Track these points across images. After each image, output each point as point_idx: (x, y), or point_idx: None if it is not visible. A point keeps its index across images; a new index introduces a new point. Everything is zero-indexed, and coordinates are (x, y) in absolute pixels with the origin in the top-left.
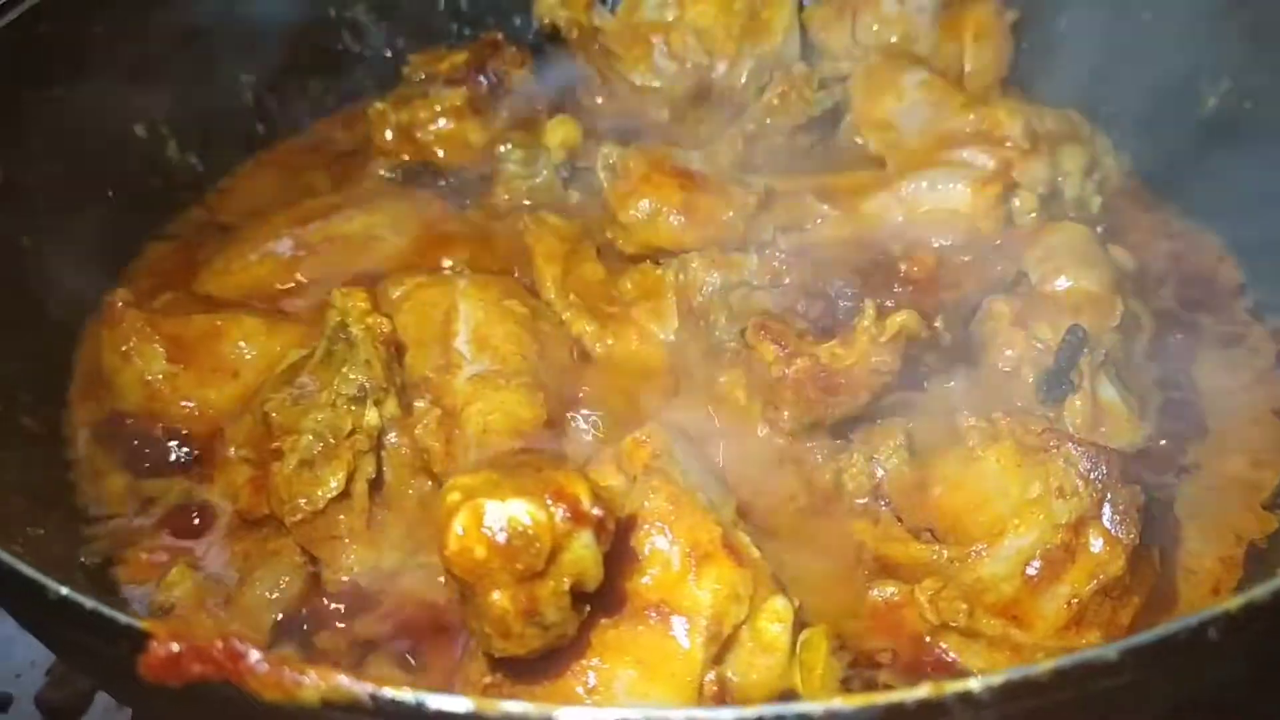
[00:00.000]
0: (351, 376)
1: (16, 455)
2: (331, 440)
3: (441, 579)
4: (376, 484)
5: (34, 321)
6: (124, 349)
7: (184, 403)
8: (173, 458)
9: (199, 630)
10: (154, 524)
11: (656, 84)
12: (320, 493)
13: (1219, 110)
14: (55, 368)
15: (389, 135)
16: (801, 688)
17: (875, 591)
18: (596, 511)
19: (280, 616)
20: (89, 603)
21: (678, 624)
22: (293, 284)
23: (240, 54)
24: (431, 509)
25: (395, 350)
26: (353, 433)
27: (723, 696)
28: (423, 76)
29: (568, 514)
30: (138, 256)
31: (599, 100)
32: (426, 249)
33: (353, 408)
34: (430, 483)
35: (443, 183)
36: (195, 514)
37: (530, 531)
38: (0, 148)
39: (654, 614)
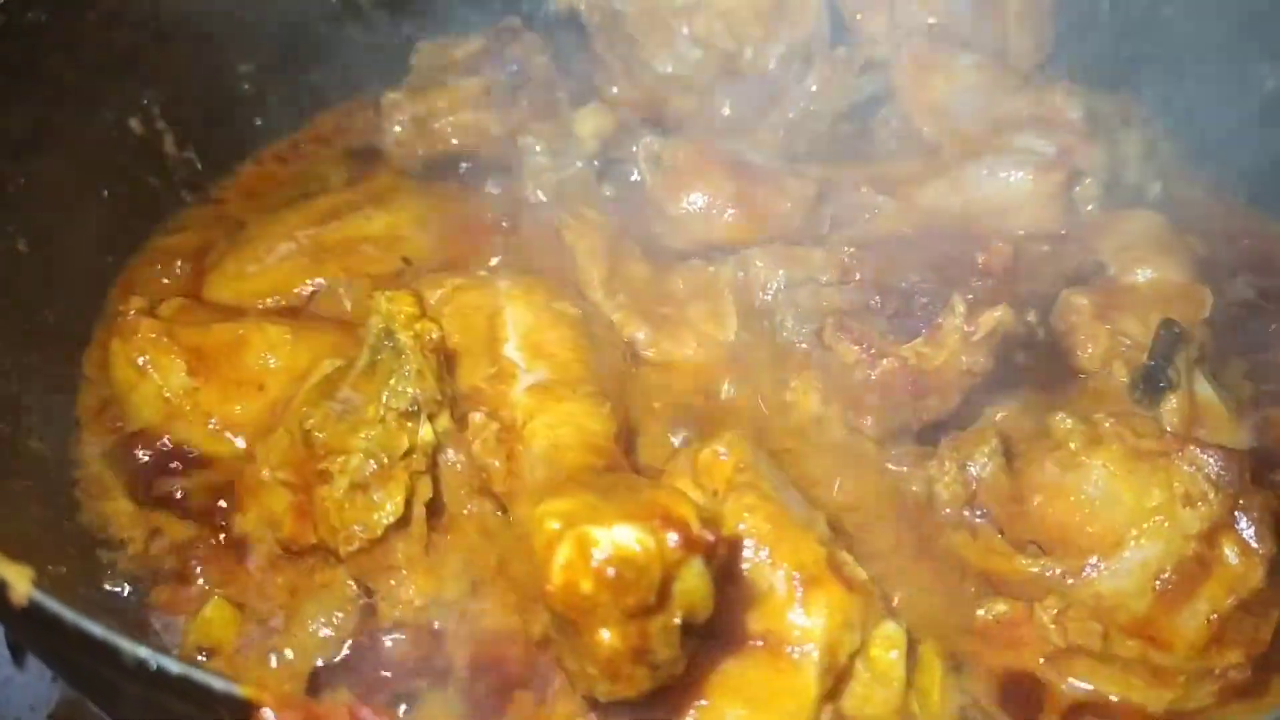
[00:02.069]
0: (401, 389)
1: (30, 485)
2: (385, 460)
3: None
4: (434, 507)
5: (35, 333)
6: (139, 362)
7: (207, 420)
8: (194, 480)
9: (316, 705)
10: (178, 552)
11: (680, 71)
12: (377, 518)
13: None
14: (60, 384)
15: (402, 127)
16: (921, 715)
17: (983, 610)
18: (708, 535)
19: (333, 656)
20: (176, 666)
21: (788, 656)
22: (312, 288)
23: (238, 43)
24: (498, 534)
25: (444, 359)
26: (409, 451)
27: None
28: (436, 65)
29: (679, 540)
30: (139, 261)
31: (615, 90)
32: (455, 248)
33: (407, 424)
34: (490, 503)
35: (463, 177)
36: (222, 537)
37: (640, 561)
38: None
39: (761, 645)
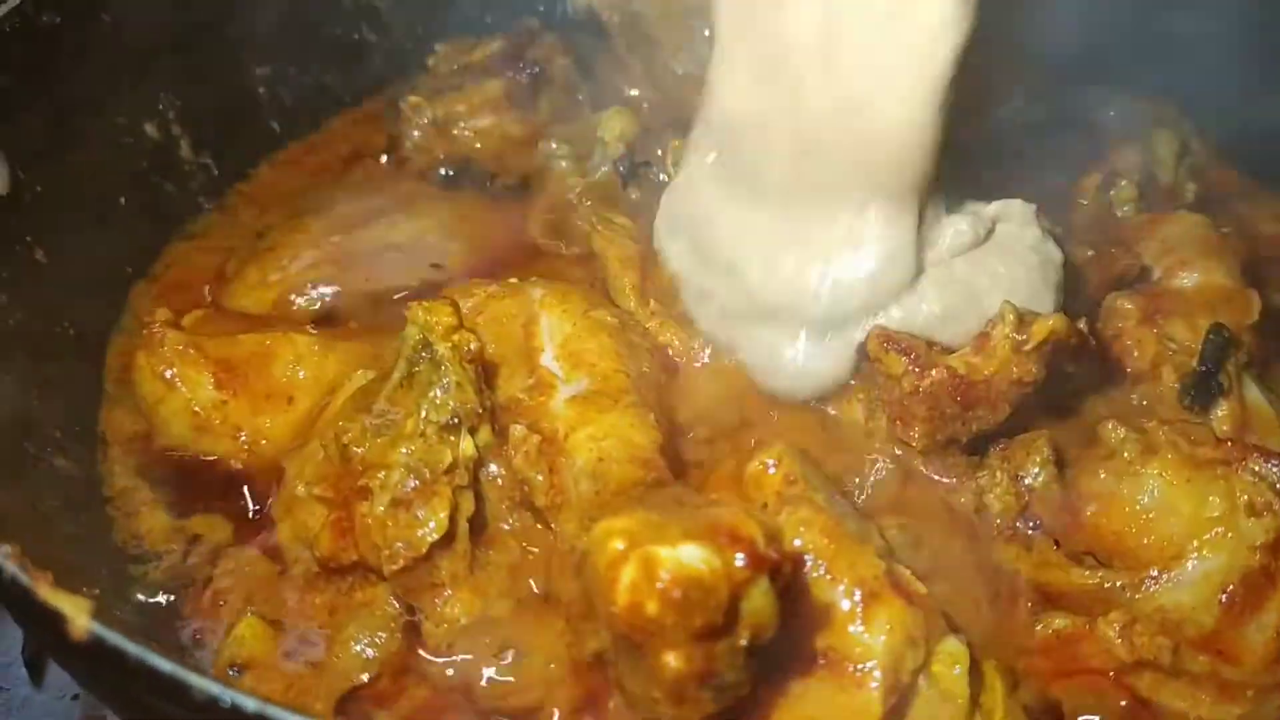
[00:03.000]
0: (441, 401)
1: (59, 504)
2: (427, 475)
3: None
4: (476, 523)
5: (54, 346)
6: (167, 376)
7: (237, 434)
8: (227, 495)
9: None
10: (214, 564)
11: (700, 72)
12: (421, 535)
13: None
14: (82, 398)
15: (421, 131)
16: None
17: (1042, 625)
18: (773, 554)
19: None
20: (251, 703)
21: (850, 674)
22: (338, 297)
23: (253, 45)
24: (541, 550)
25: (483, 370)
26: (452, 466)
27: None
28: (454, 67)
29: (746, 559)
30: (157, 269)
31: (634, 92)
32: (482, 255)
33: (450, 437)
34: (532, 518)
35: (484, 181)
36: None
37: (708, 581)
38: (5, 148)
39: (822, 664)
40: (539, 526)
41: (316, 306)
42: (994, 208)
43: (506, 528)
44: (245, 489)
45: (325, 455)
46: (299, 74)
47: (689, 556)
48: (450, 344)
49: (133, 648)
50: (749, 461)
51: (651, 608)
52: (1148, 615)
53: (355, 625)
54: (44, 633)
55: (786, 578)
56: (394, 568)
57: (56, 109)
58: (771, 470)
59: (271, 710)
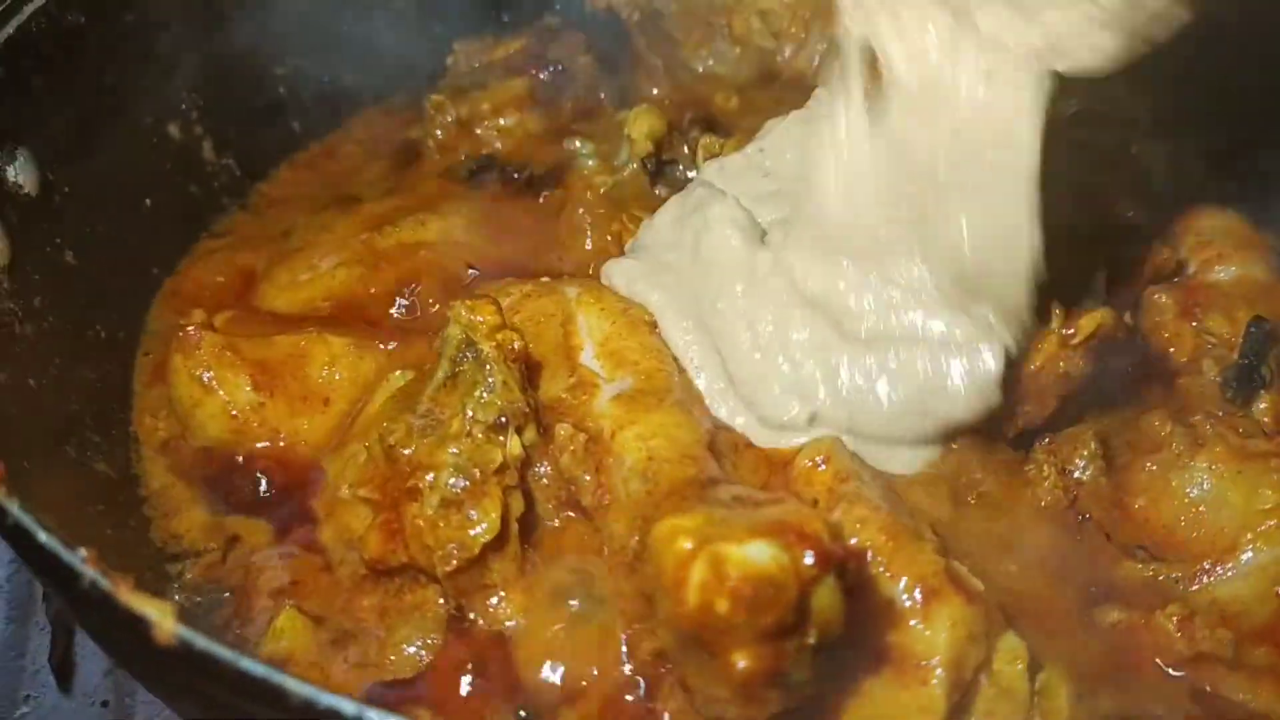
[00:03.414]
0: (488, 400)
1: (102, 508)
2: (476, 475)
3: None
4: (525, 522)
5: (87, 349)
6: (204, 378)
7: (275, 436)
8: (260, 496)
9: None
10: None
11: (720, 70)
12: (474, 536)
13: None
14: (115, 401)
15: (444, 130)
16: None
17: (1098, 619)
18: (841, 551)
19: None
20: (350, 707)
21: (913, 671)
22: (370, 297)
23: (272, 45)
24: (589, 549)
25: (527, 369)
26: (504, 466)
27: None
28: (474, 66)
29: (814, 556)
30: (183, 271)
31: (655, 90)
32: (511, 254)
33: (498, 437)
34: (577, 517)
35: (507, 180)
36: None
37: (778, 579)
38: (34, 148)
39: (885, 662)
40: (584, 527)
41: (348, 305)
42: None
43: (554, 527)
44: (283, 490)
45: (369, 457)
46: (318, 74)
47: (757, 554)
48: (494, 343)
49: (225, 651)
50: (796, 458)
51: (722, 606)
52: (1205, 608)
53: (408, 627)
54: (125, 639)
55: (852, 575)
56: (447, 569)
57: (82, 110)
58: (821, 467)
59: (371, 714)
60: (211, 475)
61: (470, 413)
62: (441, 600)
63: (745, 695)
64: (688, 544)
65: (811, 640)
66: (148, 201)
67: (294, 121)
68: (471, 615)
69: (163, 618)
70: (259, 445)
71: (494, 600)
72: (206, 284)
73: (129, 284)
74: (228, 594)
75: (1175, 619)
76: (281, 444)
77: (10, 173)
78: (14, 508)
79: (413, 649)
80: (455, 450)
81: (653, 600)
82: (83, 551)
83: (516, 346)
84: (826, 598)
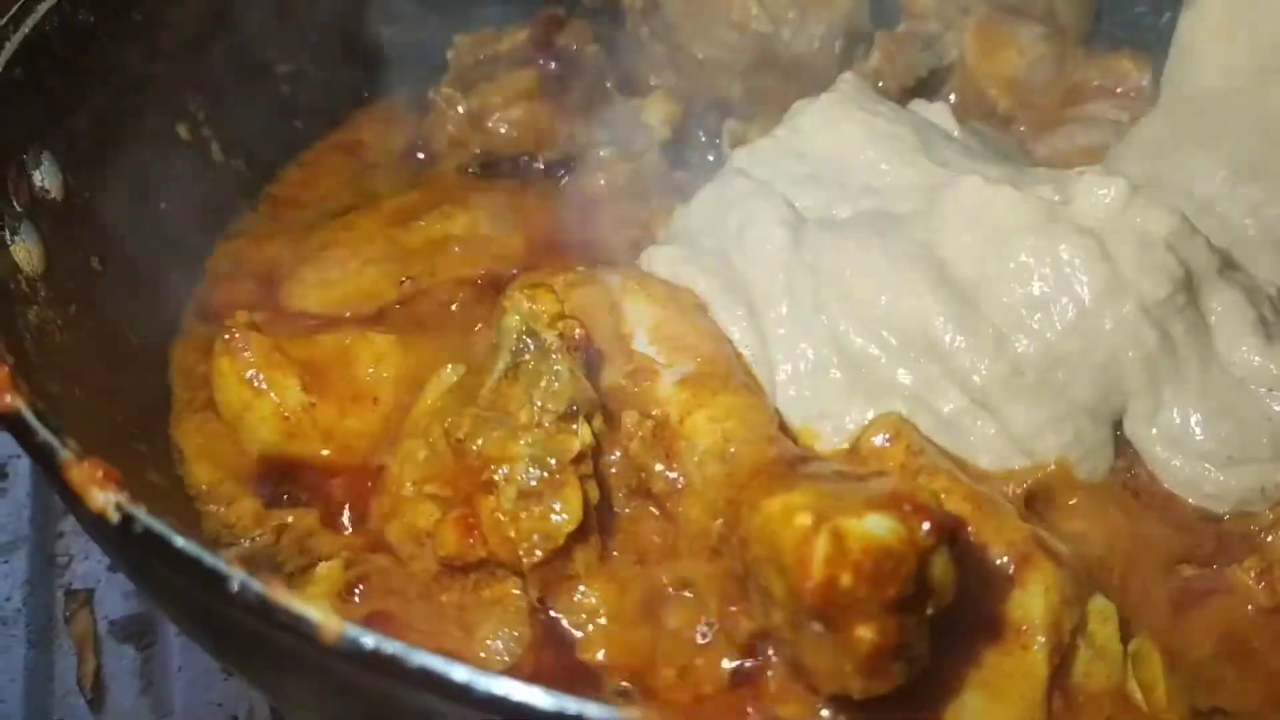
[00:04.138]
0: (557, 390)
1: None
2: (553, 464)
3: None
4: (604, 510)
5: (123, 357)
6: (254, 381)
7: (327, 437)
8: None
9: None
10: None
11: (720, 55)
12: (558, 525)
13: None
14: (154, 408)
15: (456, 125)
16: (1147, 708)
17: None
18: (952, 520)
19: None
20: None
21: (1014, 638)
22: (403, 292)
23: (273, 42)
24: (664, 535)
25: (589, 356)
26: (581, 455)
27: (1069, 714)
28: (479, 58)
29: (930, 526)
30: (205, 273)
31: (655, 79)
32: (541, 244)
33: (571, 426)
34: (648, 504)
35: (522, 172)
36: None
37: (898, 550)
38: (55, 152)
39: (985, 629)
40: (656, 513)
41: (383, 303)
42: None
43: (626, 515)
44: (336, 490)
45: (431, 452)
46: (318, 70)
47: (876, 527)
48: (557, 331)
49: (399, 648)
50: (862, 436)
51: (846, 580)
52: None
53: (492, 623)
54: (283, 642)
55: (961, 544)
56: (533, 561)
57: (96, 112)
58: (891, 443)
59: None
60: (258, 477)
61: (539, 403)
62: (520, 593)
63: (870, 669)
64: (807, 520)
65: (930, 611)
66: (162, 205)
67: (297, 121)
68: (554, 607)
69: (327, 618)
70: (310, 446)
71: (579, 591)
72: (229, 286)
73: (152, 289)
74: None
75: (1253, 572)
76: (333, 444)
77: (37, 177)
78: (141, 514)
79: (498, 643)
80: (527, 441)
81: (757, 580)
82: (229, 553)
83: (579, 334)
84: (941, 567)
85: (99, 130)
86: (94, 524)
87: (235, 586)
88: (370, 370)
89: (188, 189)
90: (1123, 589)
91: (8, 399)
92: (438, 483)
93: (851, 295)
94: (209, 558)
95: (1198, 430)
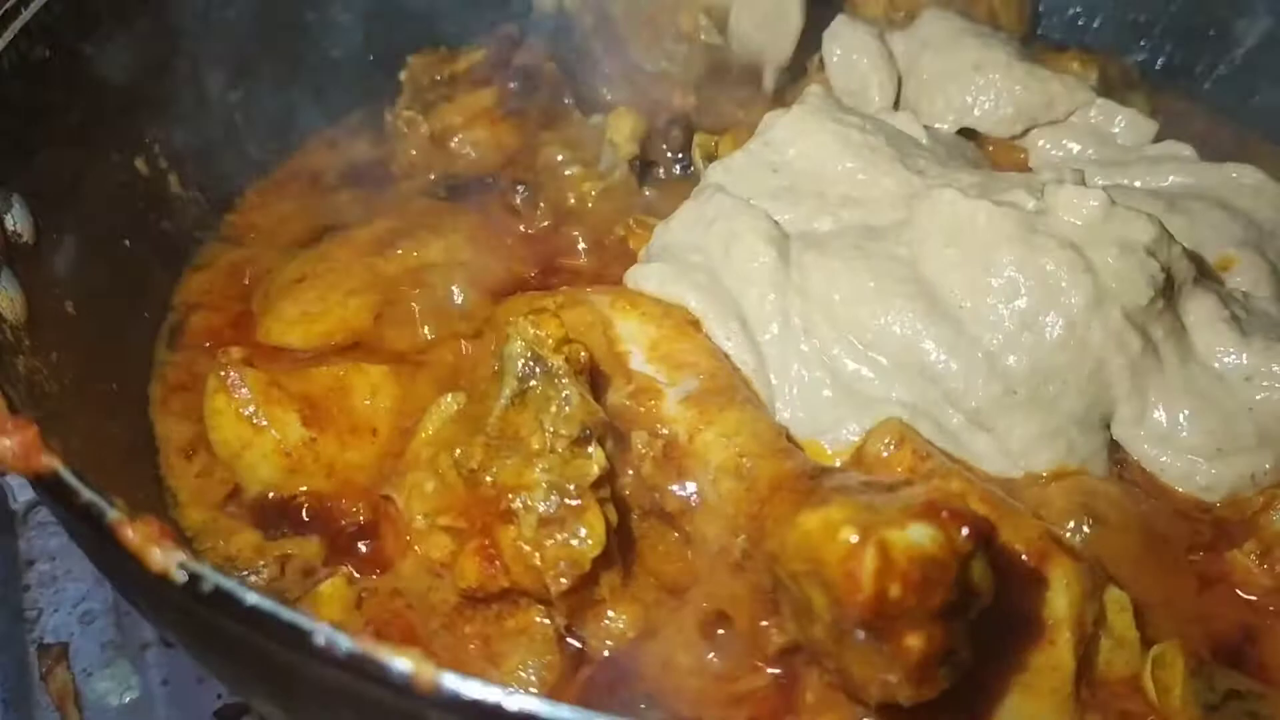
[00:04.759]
0: (568, 415)
1: None
2: (571, 490)
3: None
4: (624, 533)
5: (106, 402)
6: (254, 418)
7: (328, 472)
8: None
9: None
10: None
11: (671, 68)
12: (583, 551)
13: None
14: (141, 453)
15: (418, 149)
16: (1159, 707)
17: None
18: (987, 524)
19: None
20: None
21: (1041, 633)
22: (387, 321)
23: (222, 69)
24: (678, 555)
25: (593, 379)
26: (600, 479)
27: (1094, 703)
28: (435, 79)
29: (969, 532)
30: (176, 310)
31: (609, 95)
32: (520, 267)
33: (586, 450)
34: (661, 524)
35: (485, 194)
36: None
37: (941, 558)
38: (23, 193)
39: (1013, 627)
40: (671, 533)
41: (367, 334)
42: None
43: (641, 534)
44: (336, 520)
45: (441, 483)
46: (270, 97)
47: (920, 536)
48: (563, 355)
49: (518, 696)
50: (865, 444)
51: (895, 591)
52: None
53: (520, 653)
54: (371, 695)
55: (995, 546)
56: (561, 588)
57: (58, 151)
58: (894, 449)
59: None
60: (256, 509)
61: (551, 429)
62: (545, 620)
63: (919, 676)
64: (852, 535)
65: (972, 615)
66: (127, 242)
67: (251, 148)
68: (581, 632)
69: (421, 666)
70: (311, 481)
71: (606, 616)
72: (201, 320)
73: (126, 330)
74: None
75: (1254, 555)
76: (334, 478)
77: (9, 221)
78: (208, 571)
79: (529, 673)
80: (543, 468)
81: (790, 594)
82: (310, 609)
83: (583, 358)
84: (980, 571)
85: (62, 169)
86: (152, 587)
87: (321, 640)
88: (367, 401)
89: (150, 224)
90: (1136, 579)
91: (42, 460)
92: (451, 514)
93: (840, 320)
94: (286, 612)
95: (1185, 426)
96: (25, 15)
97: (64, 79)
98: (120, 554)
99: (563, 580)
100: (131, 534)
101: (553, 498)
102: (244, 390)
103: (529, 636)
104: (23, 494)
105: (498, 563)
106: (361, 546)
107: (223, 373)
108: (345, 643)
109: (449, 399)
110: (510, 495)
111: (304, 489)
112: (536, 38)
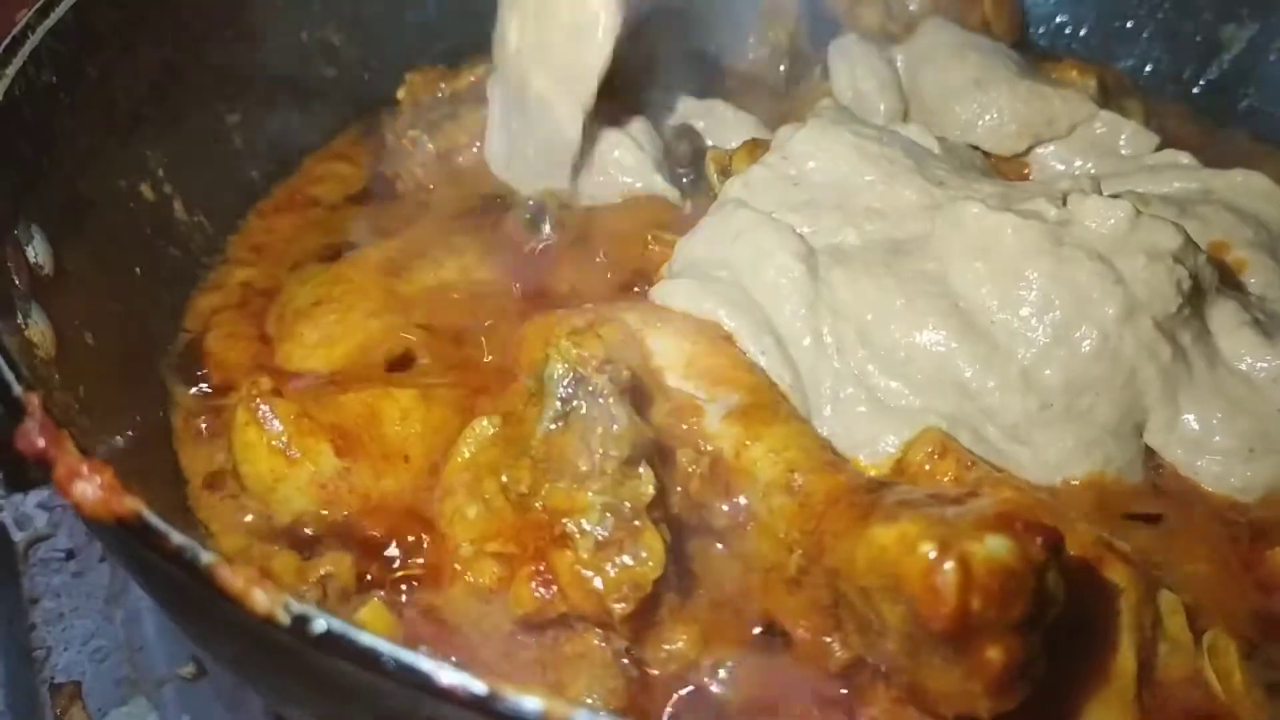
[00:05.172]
0: (618, 435)
1: None
2: (627, 511)
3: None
4: (680, 551)
5: (131, 437)
6: (288, 450)
7: (365, 501)
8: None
9: None
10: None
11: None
12: (644, 573)
13: None
14: (175, 488)
15: (424, 167)
16: (1224, 695)
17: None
18: (1058, 534)
19: None
20: None
21: (1103, 640)
22: (411, 343)
23: (222, 92)
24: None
25: (636, 398)
26: (656, 500)
27: (1157, 706)
28: (435, 96)
29: (1043, 542)
30: (190, 338)
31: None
32: (540, 284)
33: (638, 470)
34: (710, 541)
35: (495, 209)
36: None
37: (1018, 570)
38: (41, 223)
39: (1076, 635)
40: (722, 549)
41: (390, 357)
42: None
43: (692, 553)
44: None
45: (485, 509)
46: (267, 118)
47: (998, 549)
48: (606, 375)
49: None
50: (905, 455)
51: (976, 605)
52: None
53: (584, 679)
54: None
55: (1064, 556)
56: (624, 611)
57: (68, 179)
58: (937, 459)
59: None
60: (291, 535)
61: (600, 450)
62: (603, 644)
63: (999, 688)
64: (931, 550)
65: (1047, 624)
66: (137, 270)
67: (252, 170)
68: (642, 655)
69: (553, 703)
70: (346, 512)
71: (668, 637)
72: (215, 347)
73: (143, 360)
74: None
75: None
76: (369, 507)
77: (30, 253)
78: (316, 612)
79: (592, 699)
80: (595, 490)
81: (856, 609)
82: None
83: (626, 377)
84: (1053, 581)
85: (73, 198)
86: (252, 631)
87: (445, 681)
88: (398, 427)
89: (158, 250)
90: (1190, 581)
91: (125, 502)
92: (499, 540)
93: (872, 339)
94: (405, 653)
95: (1217, 430)
96: (32, 40)
97: (71, 105)
98: (216, 598)
99: (626, 603)
100: (233, 577)
101: (608, 519)
102: (275, 423)
103: (589, 661)
104: (22, 530)
105: (554, 588)
106: (400, 572)
107: (253, 404)
108: (475, 685)
109: (484, 422)
110: (563, 519)
111: (337, 519)
112: None
